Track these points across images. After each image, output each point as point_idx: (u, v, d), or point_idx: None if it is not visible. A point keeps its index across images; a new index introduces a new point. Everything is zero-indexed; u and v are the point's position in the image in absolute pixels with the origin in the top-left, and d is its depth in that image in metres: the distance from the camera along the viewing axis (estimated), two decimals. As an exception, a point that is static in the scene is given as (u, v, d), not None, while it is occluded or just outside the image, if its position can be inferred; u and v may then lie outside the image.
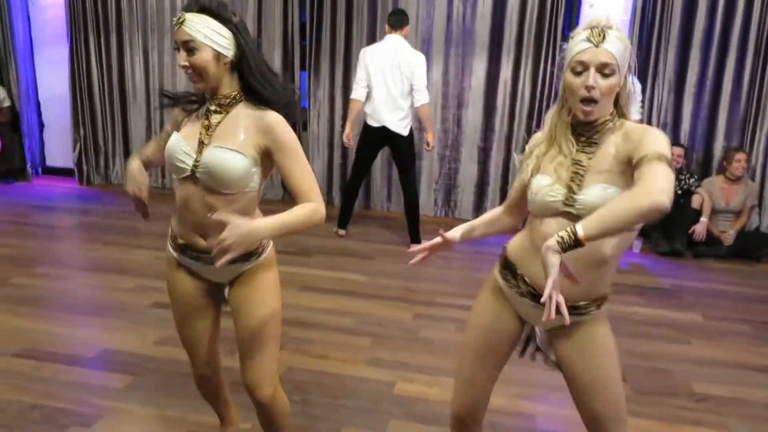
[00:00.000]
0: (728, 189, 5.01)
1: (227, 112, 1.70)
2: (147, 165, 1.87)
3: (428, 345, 3.22)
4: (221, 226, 1.54)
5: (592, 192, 1.50)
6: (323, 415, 2.54)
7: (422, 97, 4.54)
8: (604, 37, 1.47)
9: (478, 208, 5.75)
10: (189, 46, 1.62)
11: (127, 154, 6.42)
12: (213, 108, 1.71)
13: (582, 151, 1.57)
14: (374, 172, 5.81)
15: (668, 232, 4.94)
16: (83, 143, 6.37)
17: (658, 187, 1.32)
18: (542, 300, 1.34)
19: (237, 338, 1.86)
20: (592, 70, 1.48)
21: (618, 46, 1.48)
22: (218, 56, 1.64)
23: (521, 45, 5.37)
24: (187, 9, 1.64)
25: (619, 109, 1.57)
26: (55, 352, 2.95)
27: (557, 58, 5.22)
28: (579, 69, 1.50)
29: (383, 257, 4.55)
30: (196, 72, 1.65)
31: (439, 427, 2.48)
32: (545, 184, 1.57)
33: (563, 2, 5.19)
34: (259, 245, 1.80)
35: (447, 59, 5.55)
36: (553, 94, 5.23)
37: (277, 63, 5.75)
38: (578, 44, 1.51)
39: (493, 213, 1.89)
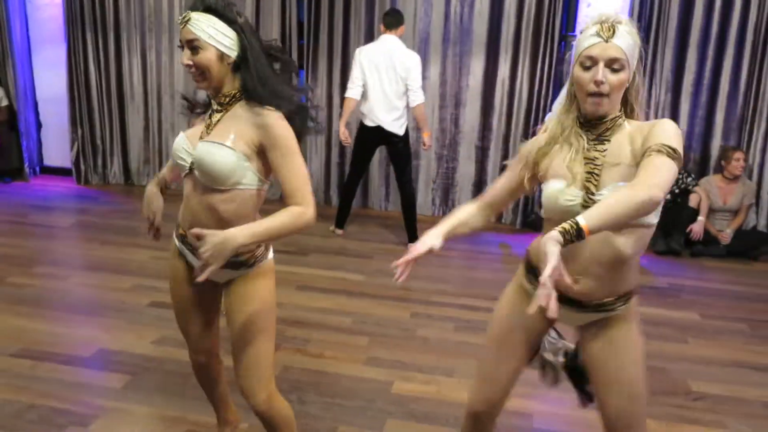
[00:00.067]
0: (725, 188, 5.01)
1: (227, 111, 1.71)
2: (165, 186, 1.92)
3: (426, 344, 3.22)
4: (214, 228, 1.54)
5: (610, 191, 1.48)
6: (320, 414, 2.54)
7: (417, 98, 4.55)
8: (614, 32, 1.47)
9: (477, 208, 5.74)
10: (193, 45, 1.63)
11: (124, 153, 6.42)
12: (215, 107, 1.73)
13: (594, 149, 1.54)
14: (372, 171, 5.81)
15: (665, 231, 4.94)
16: (81, 143, 6.36)
17: (653, 180, 1.32)
18: (541, 279, 1.27)
19: (231, 344, 1.86)
20: (601, 64, 1.47)
21: (628, 41, 1.47)
22: (222, 56, 1.64)
23: (519, 44, 5.36)
24: (193, 8, 1.64)
25: (629, 104, 1.56)
26: (52, 352, 2.95)
27: (555, 57, 5.22)
28: (588, 64, 1.49)
29: (381, 256, 4.55)
30: (199, 71, 1.65)
31: (436, 426, 2.48)
32: (560, 189, 1.54)
33: (561, 1, 5.18)
34: (251, 254, 1.77)
35: (444, 59, 5.55)
36: (551, 94, 5.22)
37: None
38: (588, 39, 1.50)
39: (468, 211, 1.80)
